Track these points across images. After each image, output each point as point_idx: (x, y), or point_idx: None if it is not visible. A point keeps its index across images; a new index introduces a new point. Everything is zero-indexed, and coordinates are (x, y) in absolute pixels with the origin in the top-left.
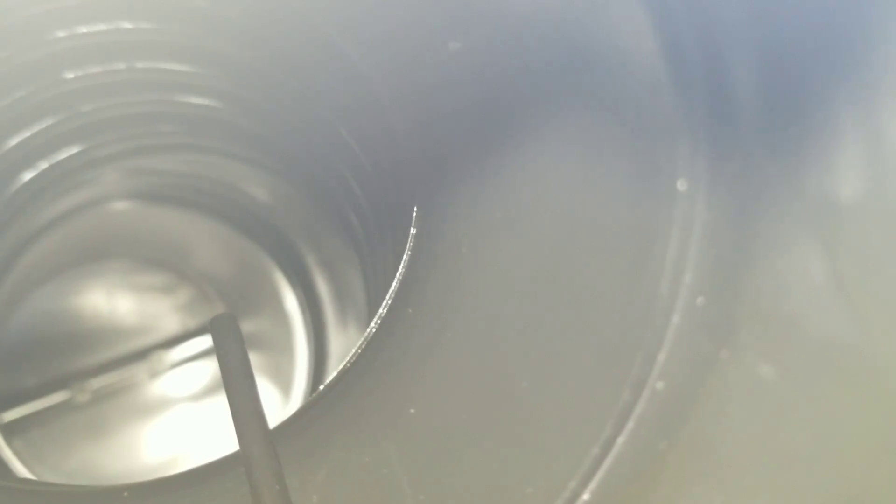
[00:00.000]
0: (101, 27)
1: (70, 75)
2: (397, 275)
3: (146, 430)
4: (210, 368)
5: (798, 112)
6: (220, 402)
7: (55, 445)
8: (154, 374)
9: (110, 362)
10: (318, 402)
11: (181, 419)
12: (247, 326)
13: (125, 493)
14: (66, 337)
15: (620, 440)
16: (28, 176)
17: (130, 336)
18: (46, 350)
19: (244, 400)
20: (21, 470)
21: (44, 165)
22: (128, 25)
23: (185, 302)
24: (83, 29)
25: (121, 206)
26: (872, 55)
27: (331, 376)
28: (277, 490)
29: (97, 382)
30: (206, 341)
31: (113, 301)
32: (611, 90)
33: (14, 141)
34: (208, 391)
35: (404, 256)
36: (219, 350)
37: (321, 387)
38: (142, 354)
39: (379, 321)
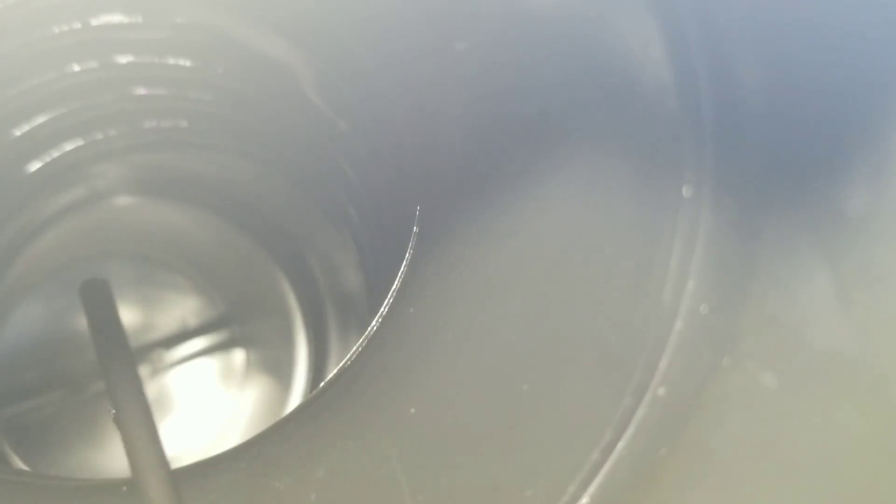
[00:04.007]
0: (111, 20)
1: (77, 68)
2: (399, 273)
3: None
4: (209, 366)
5: (804, 122)
6: (220, 399)
7: (54, 443)
8: (153, 372)
9: None
10: (318, 401)
11: (180, 416)
12: (247, 323)
13: (124, 488)
14: (65, 334)
15: (621, 445)
16: (33, 167)
17: (129, 333)
18: (46, 347)
19: (118, 369)
20: (19, 467)
21: (48, 158)
22: (138, 19)
23: (185, 300)
24: (93, 22)
25: (123, 201)
26: (880, 66)
27: (330, 374)
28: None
29: (96, 379)
30: (205, 339)
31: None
32: (617, 96)
33: (19, 132)
34: (208, 389)
35: (406, 255)
36: (90, 319)
37: (321, 385)
38: (141, 352)
39: (380, 320)
